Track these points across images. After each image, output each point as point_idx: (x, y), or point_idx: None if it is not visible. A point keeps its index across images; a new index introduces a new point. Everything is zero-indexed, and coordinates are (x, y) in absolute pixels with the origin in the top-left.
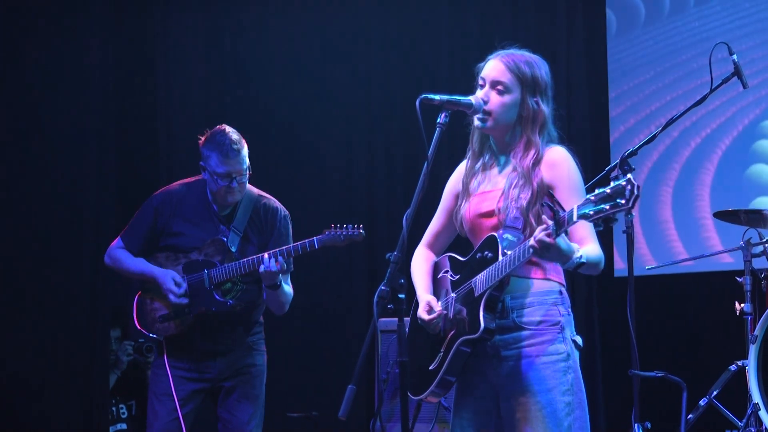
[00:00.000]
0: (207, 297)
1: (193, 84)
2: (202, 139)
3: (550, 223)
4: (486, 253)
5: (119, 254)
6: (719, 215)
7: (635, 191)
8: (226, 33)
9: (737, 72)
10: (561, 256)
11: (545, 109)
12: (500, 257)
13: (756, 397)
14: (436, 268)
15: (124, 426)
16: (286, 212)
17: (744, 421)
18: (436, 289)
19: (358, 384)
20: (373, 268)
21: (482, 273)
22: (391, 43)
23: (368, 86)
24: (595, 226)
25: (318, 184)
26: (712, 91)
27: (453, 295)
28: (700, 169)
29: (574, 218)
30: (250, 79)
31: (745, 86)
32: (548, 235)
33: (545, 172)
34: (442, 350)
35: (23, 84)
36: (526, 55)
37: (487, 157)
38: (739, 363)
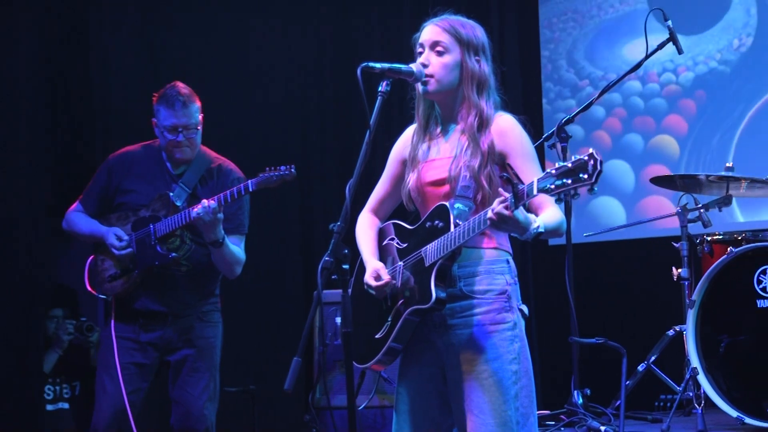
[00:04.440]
0: (151, 252)
1: (128, 60)
2: (155, 96)
3: (508, 195)
4: (436, 222)
5: (73, 217)
6: (655, 181)
7: (598, 166)
8: (162, 12)
9: (672, 37)
10: (518, 228)
11: (486, 68)
12: (452, 227)
13: (695, 361)
14: (380, 235)
15: (66, 405)
16: (242, 176)
17: (683, 385)
18: (382, 255)
19: (300, 356)
20: (308, 239)
21: (433, 243)
22: (322, 18)
23: (301, 61)
24: (557, 200)
25: (251, 158)
26: (647, 56)
27: (401, 263)
28: (637, 133)
29: (534, 192)
30: (185, 53)
31: (680, 52)
32: (506, 208)
33: (496, 140)
34: (389, 319)
35: None
36: (461, 18)
37: (433, 126)
38: (677, 328)
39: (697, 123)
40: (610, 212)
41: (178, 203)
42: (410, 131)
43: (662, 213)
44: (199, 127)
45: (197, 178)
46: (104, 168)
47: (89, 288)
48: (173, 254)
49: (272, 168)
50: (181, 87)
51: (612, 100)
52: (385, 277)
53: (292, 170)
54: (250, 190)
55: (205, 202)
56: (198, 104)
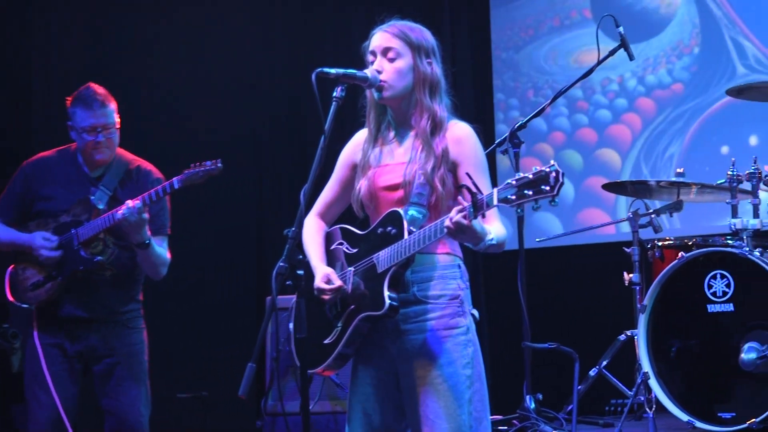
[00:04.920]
0: (74, 256)
1: (71, 65)
2: (69, 99)
3: (467, 204)
4: (389, 228)
5: None
6: (607, 187)
7: (560, 178)
8: (109, 13)
9: (624, 44)
10: (474, 238)
11: (438, 70)
12: (405, 234)
13: (646, 365)
14: (327, 239)
15: None
16: (161, 176)
17: (634, 390)
18: (330, 260)
19: (255, 362)
20: (261, 244)
21: (386, 249)
22: (275, 30)
23: (253, 65)
24: (517, 212)
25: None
26: (599, 63)
27: (351, 269)
28: (578, 146)
29: (494, 202)
30: (131, 55)
31: (631, 58)
32: (465, 217)
33: (451, 147)
34: (339, 324)
35: None
36: (408, 22)
37: (386, 132)
38: (629, 333)
39: (641, 135)
40: (546, 226)
41: (100, 206)
42: (360, 136)
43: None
44: (117, 127)
45: (117, 180)
46: (20, 175)
47: (11, 298)
48: (98, 257)
49: (197, 164)
50: (97, 87)
51: (556, 112)
52: (336, 282)
53: (218, 164)
54: (175, 187)
55: (129, 202)
56: (114, 105)
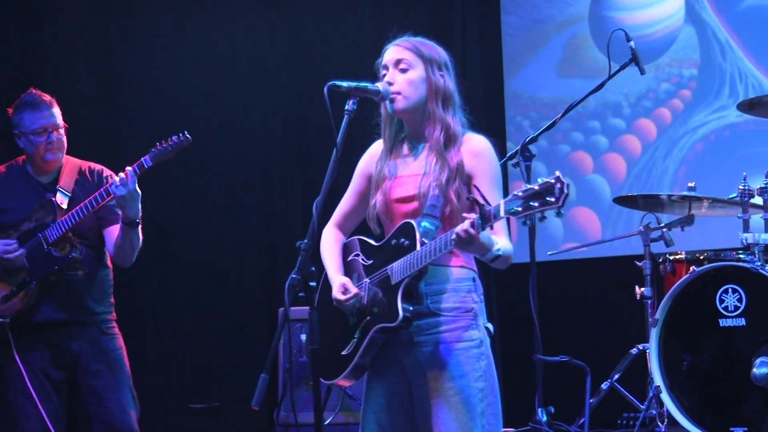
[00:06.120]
0: (46, 258)
1: (83, 90)
2: (10, 109)
3: (475, 216)
4: (402, 240)
5: None
6: (618, 200)
7: (565, 189)
8: (116, 37)
9: (635, 58)
10: (481, 248)
11: (450, 83)
12: (418, 246)
13: (658, 379)
14: (345, 250)
15: None
16: (112, 173)
17: (646, 403)
18: (347, 271)
19: (268, 373)
20: (272, 255)
21: (399, 261)
22: (283, 43)
23: (260, 84)
24: (524, 223)
25: (212, 178)
26: (610, 77)
27: (367, 280)
28: (601, 153)
29: (501, 214)
30: (145, 79)
31: (642, 72)
32: (473, 228)
33: (466, 159)
34: (356, 336)
35: None
36: (421, 38)
37: (400, 145)
38: (640, 346)
39: (642, 156)
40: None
41: (65, 206)
42: (376, 147)
43: None
44: (65, 129)
45: (73, 180)
46: None
47: None
48: (73, 254)
49: (164, 141)
50: (39, 91)
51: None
52: (353, 290)
53: (187, 136)
54: (146, 166)
55: (121, 174)
56: (57, 107)
